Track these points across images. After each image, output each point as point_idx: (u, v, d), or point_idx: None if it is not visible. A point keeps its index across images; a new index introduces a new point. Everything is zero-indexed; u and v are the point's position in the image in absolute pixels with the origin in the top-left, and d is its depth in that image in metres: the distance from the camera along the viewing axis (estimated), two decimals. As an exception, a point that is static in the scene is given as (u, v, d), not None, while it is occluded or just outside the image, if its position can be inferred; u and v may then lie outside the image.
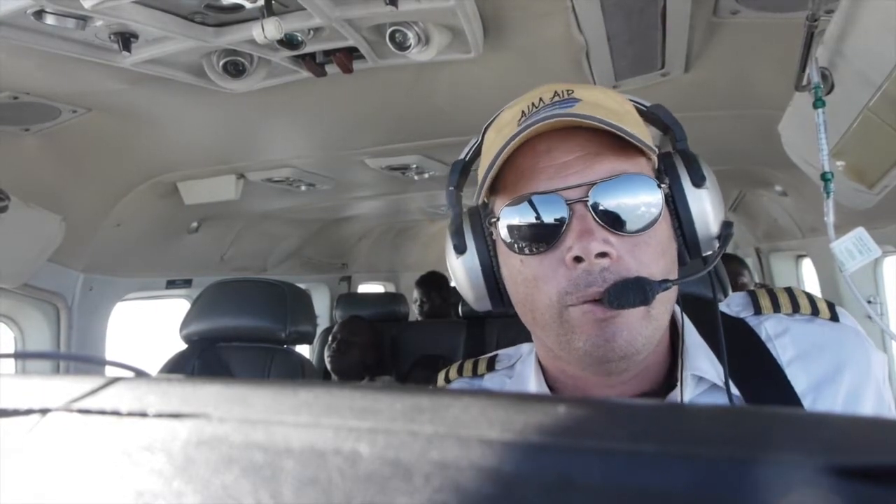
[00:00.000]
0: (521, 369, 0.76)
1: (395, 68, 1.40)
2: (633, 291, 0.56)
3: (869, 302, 2.54)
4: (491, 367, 0.80)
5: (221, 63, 1.34)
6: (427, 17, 1.20)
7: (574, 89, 0.64)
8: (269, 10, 1.07)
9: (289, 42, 1.26)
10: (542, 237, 0.60)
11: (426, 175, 2.42)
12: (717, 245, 0.65)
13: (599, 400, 0.24)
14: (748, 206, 3.40)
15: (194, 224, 2.64)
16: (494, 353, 0.82)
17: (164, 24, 1.14)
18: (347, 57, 1.36)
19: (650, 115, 0.69)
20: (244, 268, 3.14)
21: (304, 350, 3.12)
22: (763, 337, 0.67)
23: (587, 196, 0.59)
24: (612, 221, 0.59)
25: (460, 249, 0.68)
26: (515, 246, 0.62)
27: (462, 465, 0.19)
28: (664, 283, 0.58)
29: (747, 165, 2.47)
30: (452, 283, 4.16)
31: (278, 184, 2.37)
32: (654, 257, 0.60)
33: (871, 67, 0.94)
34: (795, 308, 0.69)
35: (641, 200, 0.60)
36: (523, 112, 0.64)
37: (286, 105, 1.67)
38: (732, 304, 0.73)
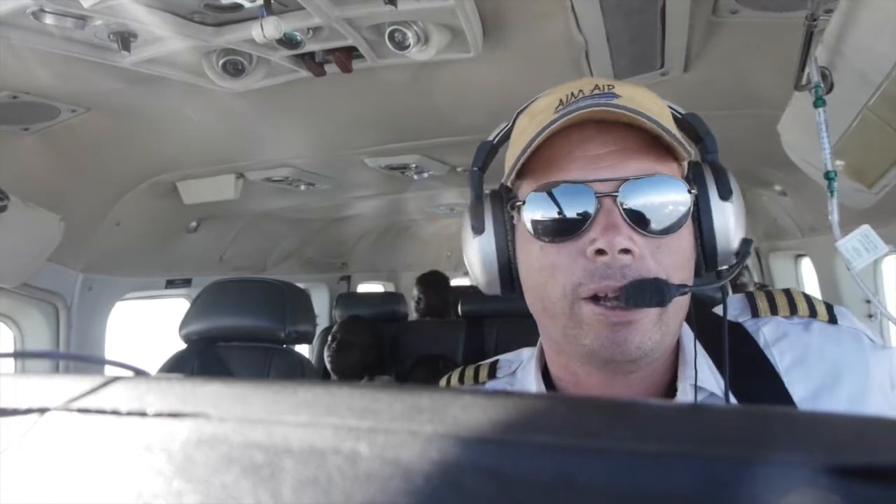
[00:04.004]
0: (523, 376, 0.75)
1: (395, 68, 1.40)
2: (651, 292, 0.56)
3: (868, 302, 2.54)
4: (492, 374, 0.79)
5: (221, 62, 1.33)
6: (426, 16, 1.20)
7: (615, 85, 0.63)
8: (268, 10, 1.07)
9: (288, 41, 1.25)
10: (565, 226, 0.59)
11: (425, 174, 2.42)
12: (735, 260, 0.64)
13: (599, 400, 0.24)
14: (747, 205, 3.37)
15: (194, 224, 2.64)
16: (495, 358, 0.82)
17: (163, 24, 1.13)
18: (347, 56, 1.35)
19: (684, 123, 0.68)
20: (244, 267, 3.14)
21: (303, 350, 3.11)
22: (761, 343, 0.67)
23: (617, 191, 0.58)
24: (639, 220, 0.58)
25: (478, 230, 0.67)
26: (537, 232, 0.61)
27: (462, 465, 0.19)
28: (682, 288, 0.57)
29: (746, 165, 2.47)
30: (452, 283, 4.16)
31: (278, 183, 2.37)
32: (675, 264, 0.60)
33: (870, 67, 0.94)
34: (793, 310, 0.68)
35: (671, 202, 0.59)
36: (561, 101, 0.63)
37: (285, 104, 1.67)
38: (730, 308, 0.71)
